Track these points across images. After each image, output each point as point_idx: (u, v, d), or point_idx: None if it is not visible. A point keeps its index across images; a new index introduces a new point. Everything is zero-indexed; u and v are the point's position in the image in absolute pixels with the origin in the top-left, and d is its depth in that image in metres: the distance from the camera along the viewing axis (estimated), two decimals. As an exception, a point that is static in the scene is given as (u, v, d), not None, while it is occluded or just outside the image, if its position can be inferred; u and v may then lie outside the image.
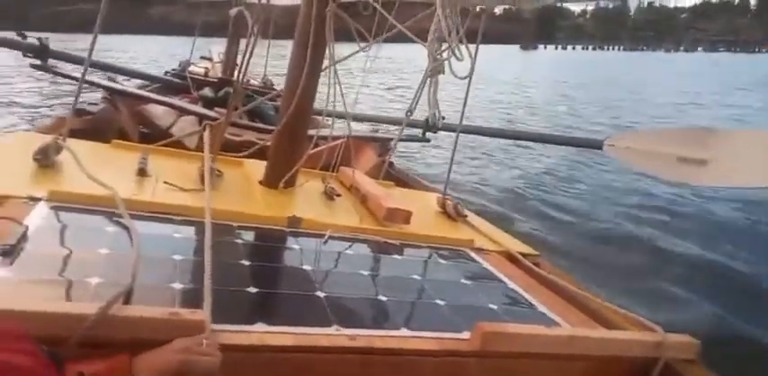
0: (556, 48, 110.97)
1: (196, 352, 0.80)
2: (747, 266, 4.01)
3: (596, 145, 2.52)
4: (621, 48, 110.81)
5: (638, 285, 3.49)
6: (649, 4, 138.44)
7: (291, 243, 1.44)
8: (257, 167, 2.02)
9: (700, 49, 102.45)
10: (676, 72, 33.09)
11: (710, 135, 2.20)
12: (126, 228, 1.23)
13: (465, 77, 1.52)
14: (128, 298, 0.93)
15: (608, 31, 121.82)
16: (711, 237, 4.60)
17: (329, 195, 1.93)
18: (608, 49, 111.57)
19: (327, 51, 1.83)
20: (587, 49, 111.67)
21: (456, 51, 1.37)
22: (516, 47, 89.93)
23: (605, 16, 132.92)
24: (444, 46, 1.39)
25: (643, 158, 2.31)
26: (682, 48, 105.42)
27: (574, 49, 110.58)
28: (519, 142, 7.11)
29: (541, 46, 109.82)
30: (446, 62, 1.43)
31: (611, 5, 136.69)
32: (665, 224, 4.98)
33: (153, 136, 3.07)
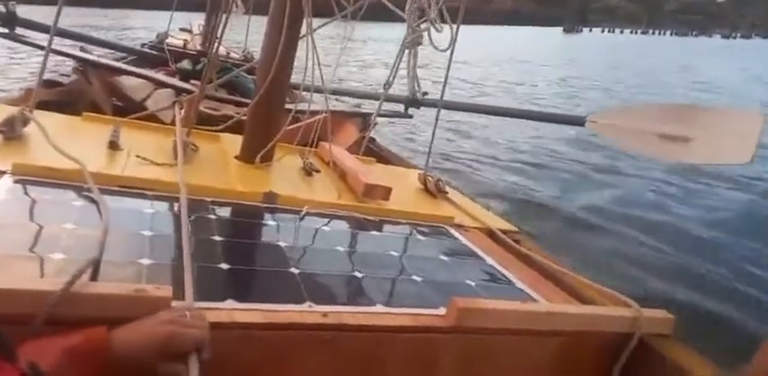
0: (602, 31, 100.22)
1: (182, 323, 0.76)
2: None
3: (579, 122, 2.50)
4: (672, 32, 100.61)
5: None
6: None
7: (267, 219, 1.41)
8: (235, 142, 1.97)
9: (755, 35, 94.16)
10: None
11: (694, 112, 2.19)
12: (94, 202, 1.19)
13: (445, 50, 1.48)
14: (94, 274, 0.90)
15: (652, 14, 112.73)
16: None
17: (307, 171, 1.89)
18: (659, 33, 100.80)
19: (305, 21, 1.77)
20: (636, 32, 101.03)
21: (435, 23, 1.33)
22: (557, 29, 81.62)
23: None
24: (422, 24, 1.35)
25: (625, 135, 2.30)
26: (738, 34, 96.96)
27: (622, 32, 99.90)
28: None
29: (586, 29, 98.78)
30: (426, 34, 1.39)
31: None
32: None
33: (126, 109, 2.99)
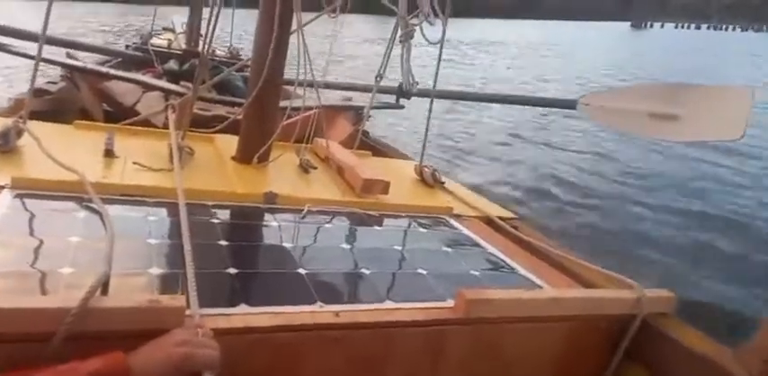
0: (676, 26, 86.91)
1: (195, 344, 0.78)
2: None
3: (570, 105, 2.51)
4: (754, 28, 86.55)
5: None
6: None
7: (269, 220, 1.42)
8: (229, 142, 1.97)
9: None
10: None
11: (682, 90, 2.21)
12: (97, 213, 1.20)
13: (436, 43, 1.48)
14: (105, 287, 0.90)
15: (728, 7, 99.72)
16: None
17: (304, 168, 1.90)
18: (742, 29, 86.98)
19: (295, 16, 1.76)
20: (711, 28, 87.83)
21: (428, 17, 1.33)
22: (621, 25, 71.50)
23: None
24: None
25: (616, 117, 2.32)
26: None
27: (698, 28, 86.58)
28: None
29: (657, 24, 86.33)
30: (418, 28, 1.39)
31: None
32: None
33: (117, 114, 2.97)
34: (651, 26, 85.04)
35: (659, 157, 6.62)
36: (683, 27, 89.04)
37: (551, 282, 1.30)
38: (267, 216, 1.44)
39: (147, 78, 3.45)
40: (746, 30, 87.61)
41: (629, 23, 78.55)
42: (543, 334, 1.14)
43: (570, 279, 1.36)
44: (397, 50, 1.75)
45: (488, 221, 1.71)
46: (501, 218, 1.72)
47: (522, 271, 1.35)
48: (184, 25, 5.55)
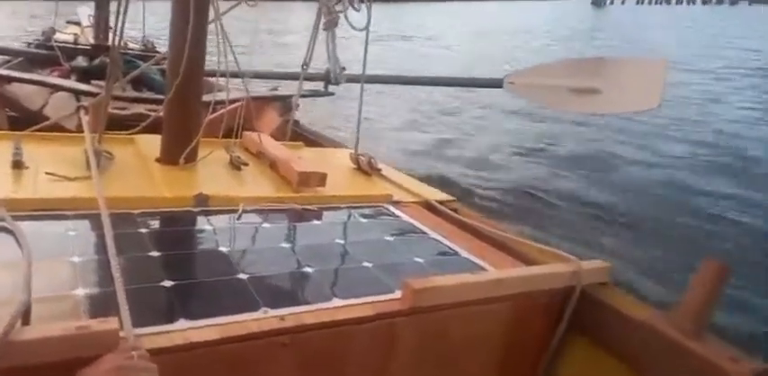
0: (637, 2, 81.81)
1: (130, 368, 0.72)
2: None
3: (496, 84, 2.56)
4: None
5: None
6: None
7: (202, 224, 1.35)
8: (152, 143, 1.86)
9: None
10: None
11: (602, 64, 2.29)
12: (9, 233, 1.10)
13: (362, 29, 1.45)
14: (26, 316, 0.83)
15: None
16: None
17: (236, 165, 1.83)
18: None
19: (211, 5, 1.67)
20: (675, 3, 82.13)
21: (354, 3, 1.29)
22: (578, 2, 65.76)
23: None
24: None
25: (541, 93, 2.38)
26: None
27: (659, 3, 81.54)
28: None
29: (617, 1, 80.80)
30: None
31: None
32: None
33: (24, 120, 2.75)
34: (612, 3, 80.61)
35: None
36: (642, 3, 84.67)
37: (493, 263, 1.32)
38: (200, 220, 1.37)
39: (53, 78, 3.21)
40: (706, 3, 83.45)
41: (587, 1, 74.26)
42: (489, 315, 1.16)
43: (512, 258, 1.39)
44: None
45: (428, 206, 1.71)
46: (440, 201, 1.73)
47: (465, 253, 1.36)
48: (91, 18, 5.20)
